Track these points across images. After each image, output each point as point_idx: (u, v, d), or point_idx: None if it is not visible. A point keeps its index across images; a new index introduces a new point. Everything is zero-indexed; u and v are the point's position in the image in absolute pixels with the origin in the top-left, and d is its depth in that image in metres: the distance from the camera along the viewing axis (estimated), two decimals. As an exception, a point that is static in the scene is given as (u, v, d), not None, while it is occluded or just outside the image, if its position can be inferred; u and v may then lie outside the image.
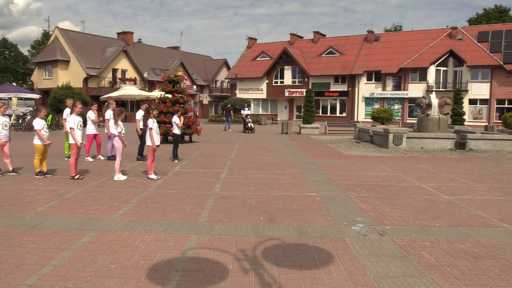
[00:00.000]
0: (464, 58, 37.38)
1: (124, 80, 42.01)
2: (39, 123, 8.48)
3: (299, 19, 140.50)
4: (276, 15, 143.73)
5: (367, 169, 10.31)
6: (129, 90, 36.37)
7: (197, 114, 48.99)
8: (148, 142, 8.49)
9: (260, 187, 7.79)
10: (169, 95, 16.81)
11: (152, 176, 8.52)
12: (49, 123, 23.95)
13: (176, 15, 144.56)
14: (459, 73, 38.36)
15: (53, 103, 28.09)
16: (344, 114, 43.76)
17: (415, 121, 20.89)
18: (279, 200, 6.76)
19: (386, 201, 6.73)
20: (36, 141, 8.54)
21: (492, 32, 38.88)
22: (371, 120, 31.11)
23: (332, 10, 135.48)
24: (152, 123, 8.49)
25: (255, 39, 54.81)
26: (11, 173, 8.81)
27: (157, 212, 5.90)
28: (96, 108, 11.74)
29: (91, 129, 11.27)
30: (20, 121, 24.14)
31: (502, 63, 35.88)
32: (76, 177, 8.37)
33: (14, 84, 42.01)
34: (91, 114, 11.48)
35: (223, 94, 57.48)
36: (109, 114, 10.98)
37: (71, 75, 39.17)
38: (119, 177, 8.43)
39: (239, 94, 48.54)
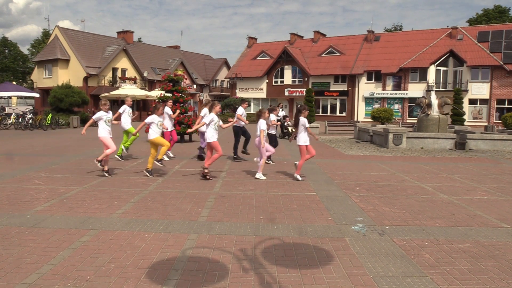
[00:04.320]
0: (464, 58, 37.39)
1: (124, 79, 42.01)
2: (152, 119, 8.61)
3: (298, 18, 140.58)
4: (275, 15, 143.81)
5: (367, 168, 10.31)
6: (129, 90, 36.37)
7: (197, 114, 48.96)
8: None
9: (260, 187, 7.80)
10: (169, 94, 16.82)
11: (260, 175, 8.70)
12: (48, 122, 24.06)
13: (176, 14, 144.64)
14: (459, 73, 38.37)
15: (53, 102, 28.03)
16: (344, 114, 43.78)
17: (415, 121, 20.91)
18: (279, 199, 6.76)
19: (386, 201, 6.73)
20: (151, 136, 8.60)
21: (492, 32, 38.89)
22: (371, 120, 31.13)
23: (331, 9, 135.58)
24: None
25: (255, 39, 54.79)
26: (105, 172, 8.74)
27: (157, 211, 5.90)
28: (171, 104, 11.71)
29: (169, 126, 11.38)
30: (20, 120, 24.08)
31: (502, 63, 35.88)
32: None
33: (14, 83, 42.00)
34: (168, 110, 11.61)
35: (223, 93, 57.48)
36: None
37: (71, 74, 39.15)
38: (260, 176, 8.63)
39: (239, 94, 48.54)
